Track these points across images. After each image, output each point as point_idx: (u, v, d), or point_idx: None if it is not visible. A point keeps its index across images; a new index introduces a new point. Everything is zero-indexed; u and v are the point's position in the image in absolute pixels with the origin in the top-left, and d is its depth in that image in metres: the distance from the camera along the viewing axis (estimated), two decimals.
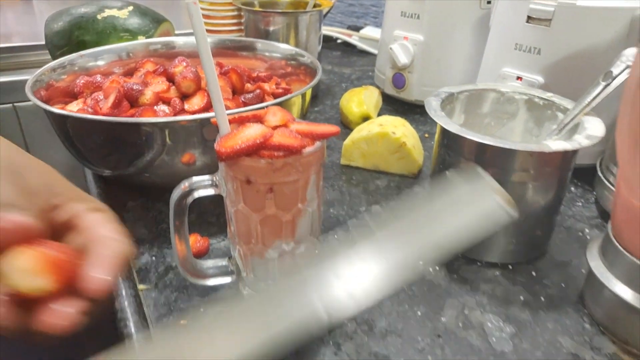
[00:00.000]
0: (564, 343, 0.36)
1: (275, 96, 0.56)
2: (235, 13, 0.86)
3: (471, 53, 0.70)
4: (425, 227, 0.22)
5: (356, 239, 0.22)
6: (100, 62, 0.61)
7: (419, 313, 0.38)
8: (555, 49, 0.52)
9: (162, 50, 0.66)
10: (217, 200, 0.50)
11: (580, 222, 0.50)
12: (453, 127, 0.39)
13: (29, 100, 0.46)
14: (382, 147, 0.56)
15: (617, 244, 0.36)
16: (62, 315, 0.23)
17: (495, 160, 0.39)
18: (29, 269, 0.21)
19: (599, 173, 0.50)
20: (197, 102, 0.51)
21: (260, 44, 0.67)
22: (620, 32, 0.48)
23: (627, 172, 0.30)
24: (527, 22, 0.53)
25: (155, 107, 0.49)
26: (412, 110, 0.75)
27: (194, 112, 0.49)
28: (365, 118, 0.67)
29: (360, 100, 0.69)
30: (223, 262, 0.38)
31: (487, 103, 0.48)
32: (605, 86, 0.40)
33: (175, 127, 0.44)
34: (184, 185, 0.33)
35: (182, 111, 0.50)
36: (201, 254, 0.44)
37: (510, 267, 0.43)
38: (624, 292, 0.35)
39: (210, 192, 0.34)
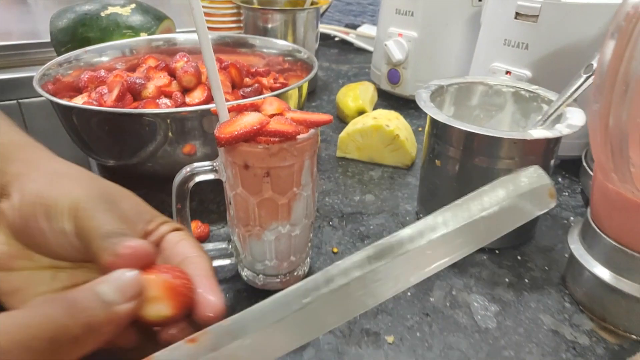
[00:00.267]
0: (545, 320, 0.38)
1: (273, 90, 0.58)
2: (234, 11, 0.88)
3: (463, 49, 0.72)
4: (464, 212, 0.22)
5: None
6: (105, 58, 0.63)
7: (409, 294, 0.40)
8: (542, 44, 0.54)
9: (164, 47, 0.68)
10: (217, 190, 0.53)
11: (566, 210, 0.52)
12: (441, 117, 0.41)
13: (33, 97, 0.48)
14: (376, 139, 0.59)
15: (595, 227, 0.38)
16: (180, 338, 0.22)
17: (481, 149, 0.41)
18: (153, 297, 0.21)
19: (584, 164, 0.52)
20: (197, 95, 0.53)
21: (258, 40, 0.69)
22: (603, 27, 0.50)
23: (600, 157, 0.32)
24: (516, 18, 0.55)
25: (157, 101, 0.51)
26: (407, 105, 0.77)
27: (194, 105, 0.51)
28: (361, 112, 0.69)
29: (356, 95, 0.71)
30: (223, 244, 0.40)
31: (476, 95, 0.50)
32: (587, 78, 0.42)
33: (177, 119, 0.46)
34: (186, 170, 0.35)
35: (184, 104, 0.52)
36: (202, 239, 0.46)
37: (497, 251, 0.45)
38: (602, 272, 0.37)
39: (210, 176, 0.36)
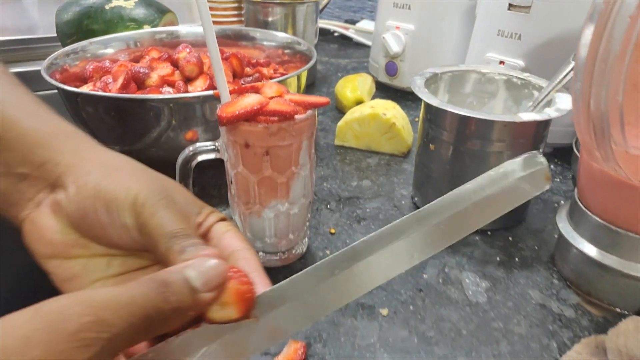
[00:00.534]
0: (533, 295, 0.39)
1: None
2: (235, 5, 0.89)
3: (459, 41, 0.74)
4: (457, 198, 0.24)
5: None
6: (109, 50, 0.65)
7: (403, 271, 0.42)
8: (534, 34, 0.55)
9: (167, 40, 0.70)
10: (217, 175, 0.54)
11: (557, 195, 0.54)
12: (435, 101, 0.43)
13: (39, 91, 0.50)
14: (373, 127, 0.60)
15: (581, 206, 0.39)
16: None
17: (473, 132, 0.43)
18: (223, 302, 0.22)
19: (575, 150, 0.54)
20: (199, 84, 0.55)
21: (258, 33, 0.71)
22: None
23: (584, 137, 0.34)
24: (509, 9, 0.57)
25: (160, 89, 0.53)
26: (404, 97, 0.79)
27: None
28: (359, 103, 0.71)
29: (354, 86, 0.72)
30: None
31: (469, 83, 0.52)
32: None
33: (180, 105, 0.47)
34: (189, 149, 0.37)
35: (186, 92, 0.53)
36: None
37: (489, 232, 0.47)
38: (589, 249, 0.39)
39: (212, 156, 0.38)
